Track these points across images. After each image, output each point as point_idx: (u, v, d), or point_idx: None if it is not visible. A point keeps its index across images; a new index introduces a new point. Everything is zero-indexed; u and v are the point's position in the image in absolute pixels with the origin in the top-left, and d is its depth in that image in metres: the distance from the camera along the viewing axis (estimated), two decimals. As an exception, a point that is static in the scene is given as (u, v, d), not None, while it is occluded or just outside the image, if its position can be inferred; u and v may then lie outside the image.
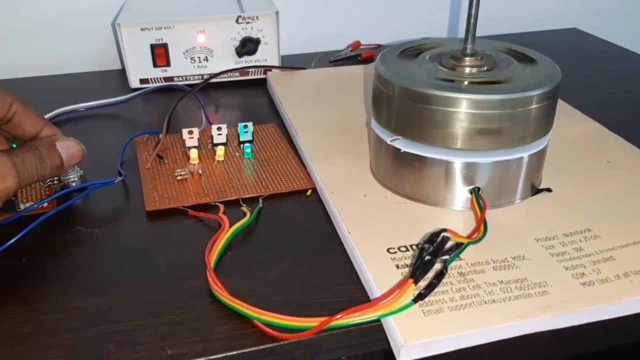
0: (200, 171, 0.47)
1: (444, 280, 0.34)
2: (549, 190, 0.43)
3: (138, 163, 0.49)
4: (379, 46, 0.76)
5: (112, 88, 0.65)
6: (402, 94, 0.40)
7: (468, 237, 0.37)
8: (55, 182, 0.45)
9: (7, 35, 0.71)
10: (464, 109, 0.38)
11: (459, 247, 0.36)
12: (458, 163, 0.40)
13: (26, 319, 0.33)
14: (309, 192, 0.45)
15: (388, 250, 0.37)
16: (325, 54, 0.73)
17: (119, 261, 0.38)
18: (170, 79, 0.65)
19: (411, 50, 0.45)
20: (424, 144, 0.40)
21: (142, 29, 0.62)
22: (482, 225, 0.38)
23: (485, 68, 0.42)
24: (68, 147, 0.41)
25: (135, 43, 0.62)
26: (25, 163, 0.38)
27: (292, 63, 0.68)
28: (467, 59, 0.42)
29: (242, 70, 0.66)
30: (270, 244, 0.40)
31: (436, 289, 0.33)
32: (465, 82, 0.40)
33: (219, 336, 0.32)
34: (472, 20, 0.41)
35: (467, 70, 0.41)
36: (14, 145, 0.42)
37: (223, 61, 0.65)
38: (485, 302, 0.33)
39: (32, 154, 0.39)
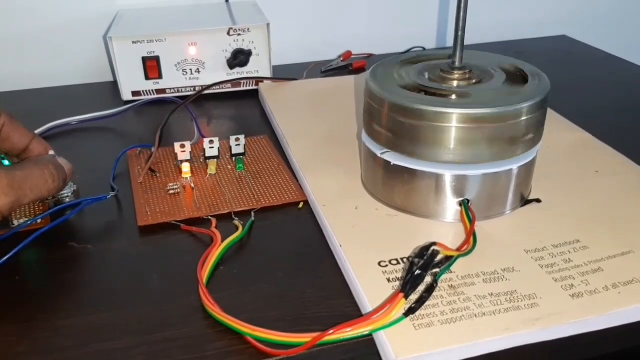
0: (192, 185, 0.47)
1: (434, 293, 0.34)
2: (538, 201, 0.44)
3: (131, 177, 0.49)
4: (370, 55, 0.77)
5: (104, 101, 0.65)
6: (392, 110, 0.40)
7: (458, 250, 0.38)
8: (50, 197, 0.45)
9: (-2, 48, 0.71)
10: (453, 123, 0.38)
11: (449, 260, 0.36)
12: (448, 176, 0.40)
13: (20, 338, 0.33)
14: (301, 205, 0.45)
15: (379, 263, 0.37)
16: (317, 64, 0.74)
17: (112, 277, 0.38)
18: (163, 91, 0.65)
19: (400, 64, 0.46)
20: (414, 158, 0.40)
21: (133, 42, 0.62)
22: (471, 238, 0.38)
23: (474, 81, 0.42)
24: (65, 164, 0.41)
25: (127, 56, 0.63)
26: (31, 178, 0.37)
27: (283, 74, 0.68)
28: (456, 72, 0.42)
29: (234, 82, 0.66)
30: (262, 258, 0.40)
31: (427, 303, 0.34)
32: (454, 96, 0.40)
33: (212, 353, 0.32)
34: (459, 34, 0.42)
35: (456, 83, 0.42)
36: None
37: (215, 73, 0.65)
38: (476, 315, 0.33)
39: (41, 168, 0.38)
